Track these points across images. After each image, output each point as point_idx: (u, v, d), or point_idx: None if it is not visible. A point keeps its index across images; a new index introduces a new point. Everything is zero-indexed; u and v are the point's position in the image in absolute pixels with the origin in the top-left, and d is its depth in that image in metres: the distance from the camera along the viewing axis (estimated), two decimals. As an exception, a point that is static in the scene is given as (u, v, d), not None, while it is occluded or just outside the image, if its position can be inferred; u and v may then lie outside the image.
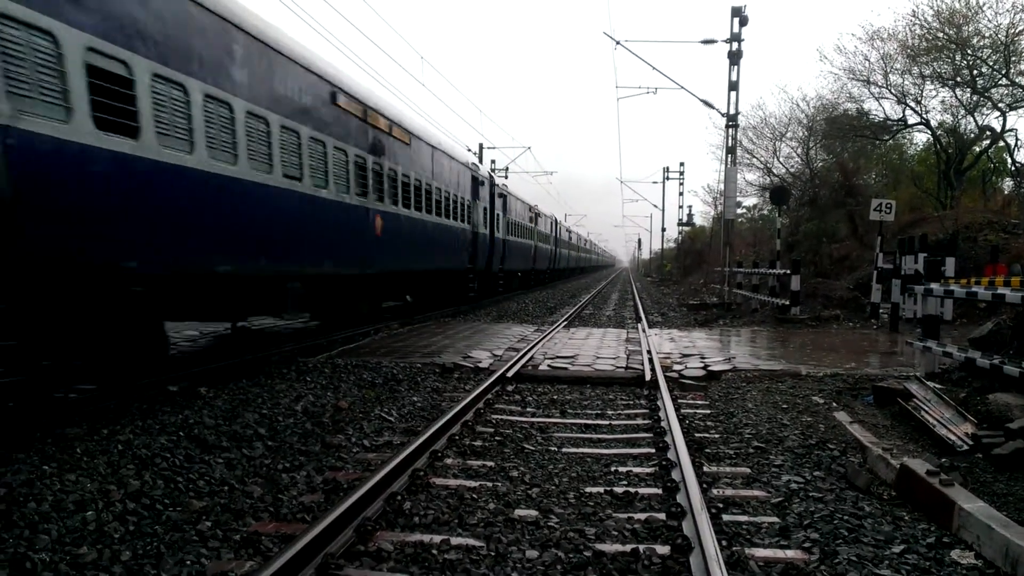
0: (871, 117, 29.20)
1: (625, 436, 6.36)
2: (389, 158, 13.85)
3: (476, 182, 21.39)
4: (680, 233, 63.68)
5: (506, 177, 44.18)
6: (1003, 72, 23.60)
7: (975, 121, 26.75)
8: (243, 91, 8.80)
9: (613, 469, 5.37)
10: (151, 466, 5.15)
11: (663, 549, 3.84)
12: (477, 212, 21.43)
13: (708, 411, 7.34)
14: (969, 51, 23.62)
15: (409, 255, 15.46)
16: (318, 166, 10.84)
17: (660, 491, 4.82)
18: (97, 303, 7.06)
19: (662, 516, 4.32)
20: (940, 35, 23.75)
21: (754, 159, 36.73)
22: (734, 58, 22.12)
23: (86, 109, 6.36)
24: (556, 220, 42.98)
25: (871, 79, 27.16)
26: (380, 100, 13.78)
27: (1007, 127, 26.52)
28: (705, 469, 5.32)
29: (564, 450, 5.91)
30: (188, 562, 3.71)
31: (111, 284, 7.02)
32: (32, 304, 6.25)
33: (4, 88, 5.58)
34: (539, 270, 37.11)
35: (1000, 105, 24.98)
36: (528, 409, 7.47)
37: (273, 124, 9.50)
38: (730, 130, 23.09)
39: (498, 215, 24.71)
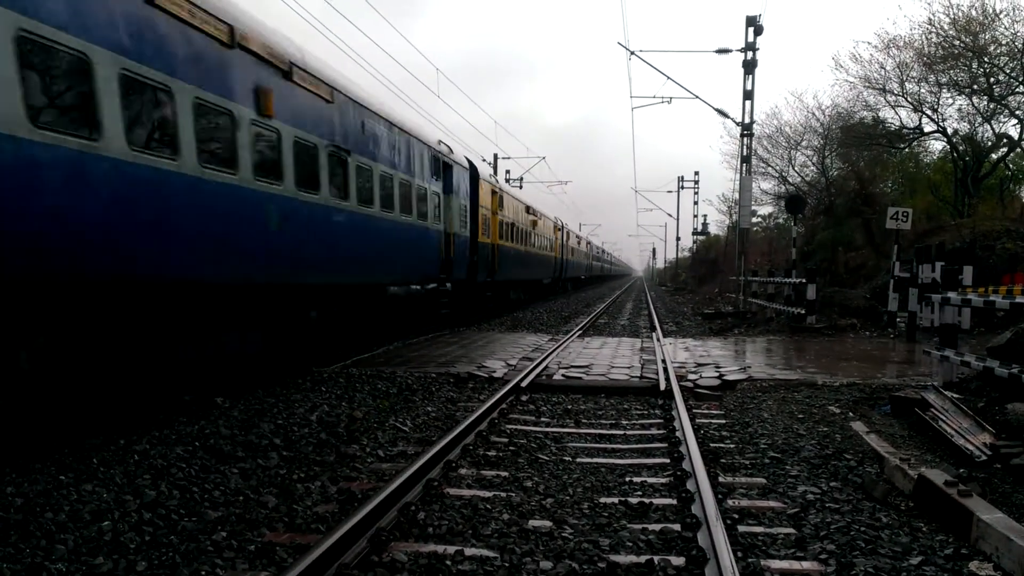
0: (887, 125, 29.03)
1: (640, 446, 6.34)
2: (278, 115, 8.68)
3: (447, 170, 16.50)
4: (695, 242, 63.57)
5: (520, 187, 43.94)
6: (1020, 80, 23.41)
7: (992, 129, 26.54)
8: None
9: (628, 479, 5.34)
10: (167, 476, 5.18)
11: (678, 560, 3.82)
12: (452, 209, 16.75)
13: (723, 421, 7.30)
14: (986, 59, 23.46)
15: (329, 262, 10.41)
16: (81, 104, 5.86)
17: (675, 502, 4.80)
18: None
19: (677, 527, 4.30)
20: (956, 43, 23.60)
21: (769, 168, 36.61)
22: (749, 67, 22.17)
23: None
24: (563, 223, 39.73)
25: (887, 87, 27.01)
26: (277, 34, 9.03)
27: (1024, 135, 26.30)
28: (720, 480, 5.29)
29: (578, 460, 5.90)
30: (203, 572, 3.73)
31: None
32: None
33: None
34: (540, 280, 33.50)
35: (1017, 113, 24.79)
36: (542, 419, 7.46)
37: None
38: (745, 139, 23.10)
39: (484, 214, 20.45)
